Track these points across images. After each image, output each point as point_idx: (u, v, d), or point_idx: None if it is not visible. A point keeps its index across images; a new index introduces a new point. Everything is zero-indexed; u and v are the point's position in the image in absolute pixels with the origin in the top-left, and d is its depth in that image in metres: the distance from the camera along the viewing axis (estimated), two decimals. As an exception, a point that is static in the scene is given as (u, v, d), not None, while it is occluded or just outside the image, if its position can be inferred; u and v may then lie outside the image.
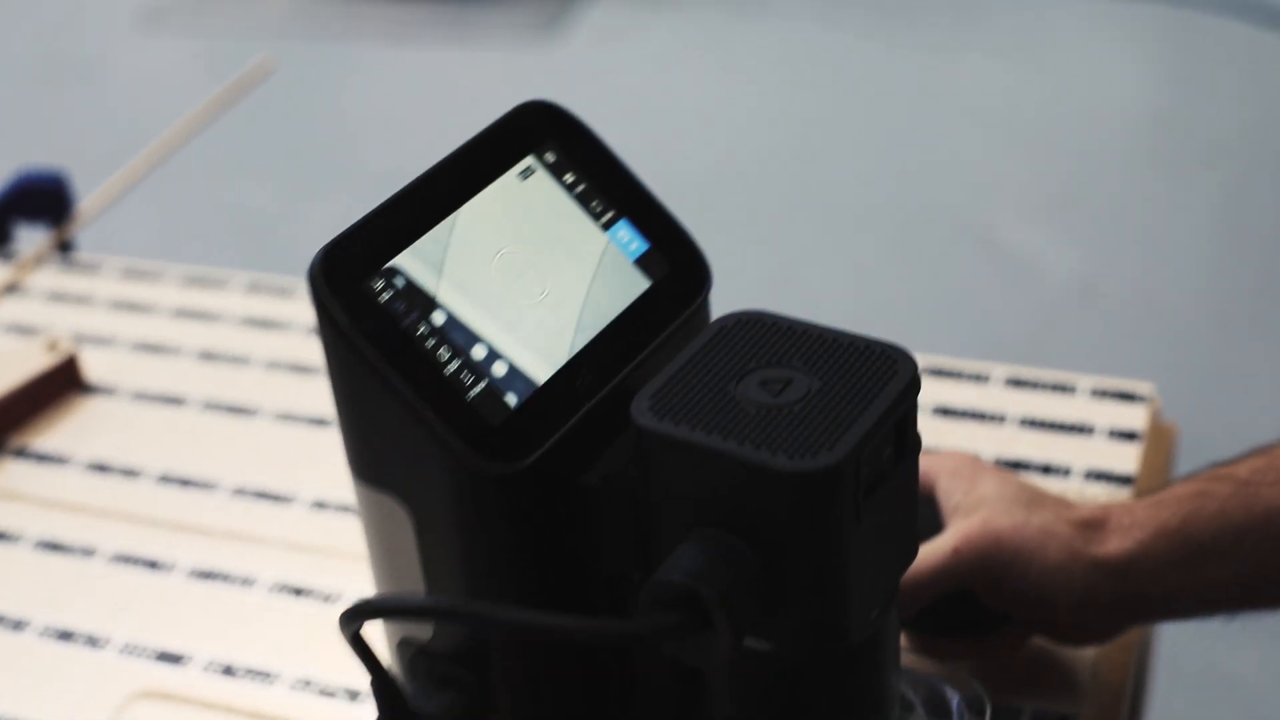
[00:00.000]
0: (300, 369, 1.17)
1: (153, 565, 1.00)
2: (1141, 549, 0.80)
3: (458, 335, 0.64)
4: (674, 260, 0.71)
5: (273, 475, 1.07)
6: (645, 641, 0.60)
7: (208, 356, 1.19)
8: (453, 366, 0.63)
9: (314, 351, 1.14)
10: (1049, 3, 3.62)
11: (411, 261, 0.64)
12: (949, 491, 0.84)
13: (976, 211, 2.81)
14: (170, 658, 0.93)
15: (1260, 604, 0.82)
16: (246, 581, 0.98)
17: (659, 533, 0.62)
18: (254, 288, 1.27)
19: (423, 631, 0.69)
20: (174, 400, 1.15)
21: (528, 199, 0.69)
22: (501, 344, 0.65)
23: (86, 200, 1.38)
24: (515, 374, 0.64)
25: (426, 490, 0.64)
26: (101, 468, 1.09)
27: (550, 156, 0.71)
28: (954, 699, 0.74)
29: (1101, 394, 1.07)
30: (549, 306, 0.67)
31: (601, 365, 0.67)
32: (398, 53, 3.43)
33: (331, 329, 0.62)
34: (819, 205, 2.87)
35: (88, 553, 1.02)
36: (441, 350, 0.63)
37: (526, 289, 0.67)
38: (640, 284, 0.70)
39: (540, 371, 0.65)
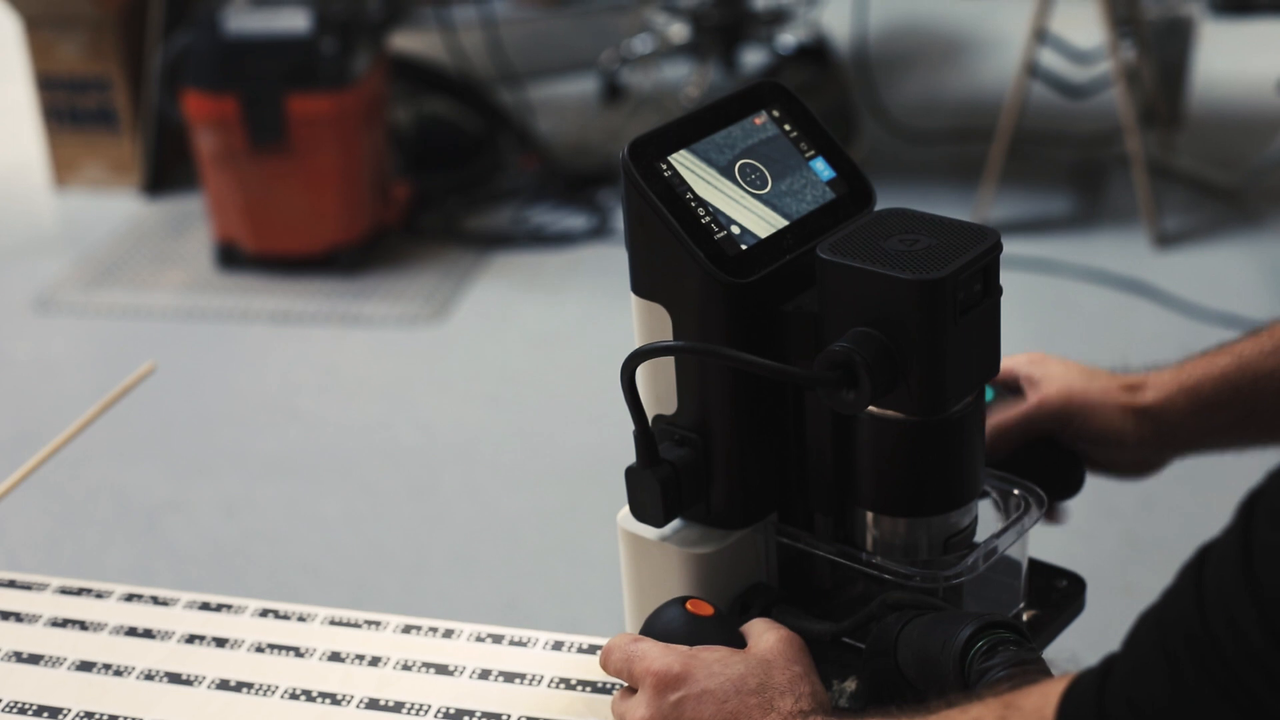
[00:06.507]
0: (176, 679, 1.16)
1: None
2: (1168, 400, 1.15)
3: (710, 203, 1.01)
4: (851, 184, 1.08)
5: None
6: (818, 385, 0.96)
7: (84, 667, 1.18)
8: (705, 219, 1.01)
9: (191, 661, 1.18)
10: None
11: (685, 156, 1.02)
12: (1029, 373, 1.20)
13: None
14: None
15: (1251, 441, 1.16)
16: None
17: (828, 333, 0.98)
18: (131, 597, 1.26)
19: (669, 408, 1.06)
20: (50, 711, 1.14)
21: (759, 133, 1.07)
22: (736, 214, 1.02)
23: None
24: (744, 232, 1.02)
25: (682, 297, 1.01)
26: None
27: (776, 112, 1.08)
28: (1018, 493, 1.08)
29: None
30: (768, 199, 1.04)
31: (798, 238, 1.04)
32: (286, 332, 3.43)
33: (634, 190, 1.00)
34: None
35: None
36: (699, 210, 1.01)
37: (755, 186, 1.04)
38: (828, 195, 1.07)
39: (759, 234, 1.02)
